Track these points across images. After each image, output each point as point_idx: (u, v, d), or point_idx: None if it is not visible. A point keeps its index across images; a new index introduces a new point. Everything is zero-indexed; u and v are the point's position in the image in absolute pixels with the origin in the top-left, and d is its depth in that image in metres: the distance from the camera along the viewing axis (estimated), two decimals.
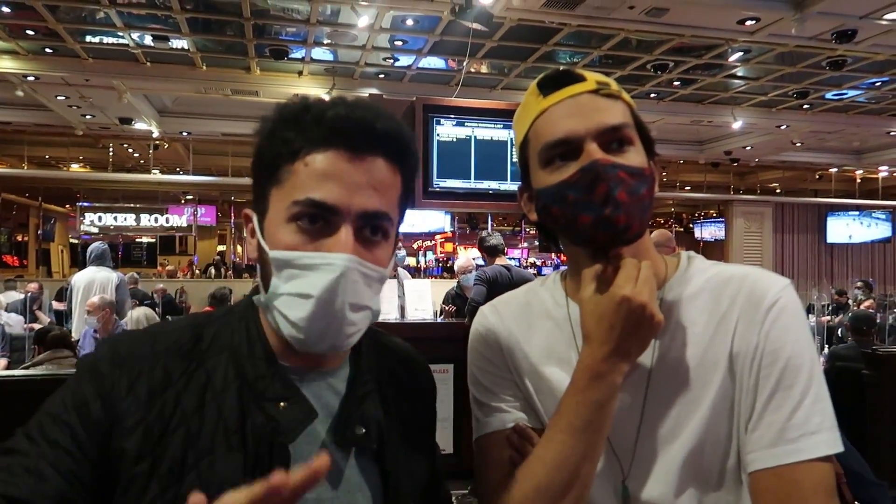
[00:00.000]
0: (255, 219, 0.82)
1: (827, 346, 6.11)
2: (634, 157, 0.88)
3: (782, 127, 10.02)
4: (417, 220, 12.38)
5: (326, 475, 0.80)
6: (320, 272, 0.75)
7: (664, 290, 0.92)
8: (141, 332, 0.84)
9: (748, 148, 11.52)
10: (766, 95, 8.83)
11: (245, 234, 0.84)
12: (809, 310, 8.47)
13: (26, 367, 3.91)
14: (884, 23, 5.79)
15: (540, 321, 0.99)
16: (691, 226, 16.27)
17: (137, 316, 4.55)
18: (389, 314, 4.84)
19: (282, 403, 0.78)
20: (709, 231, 15.16)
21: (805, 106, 9.29)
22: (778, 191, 15.24)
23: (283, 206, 0.78)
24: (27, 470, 0.69)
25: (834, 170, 13.92)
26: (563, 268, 1.06)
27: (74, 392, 0.75)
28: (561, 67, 0.95)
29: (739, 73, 7.98)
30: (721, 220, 14.69)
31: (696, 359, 0.87)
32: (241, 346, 0.80)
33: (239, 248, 16.11)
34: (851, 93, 8.62)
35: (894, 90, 8.45)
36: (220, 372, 0.78)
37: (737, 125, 9.63)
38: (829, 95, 8.80)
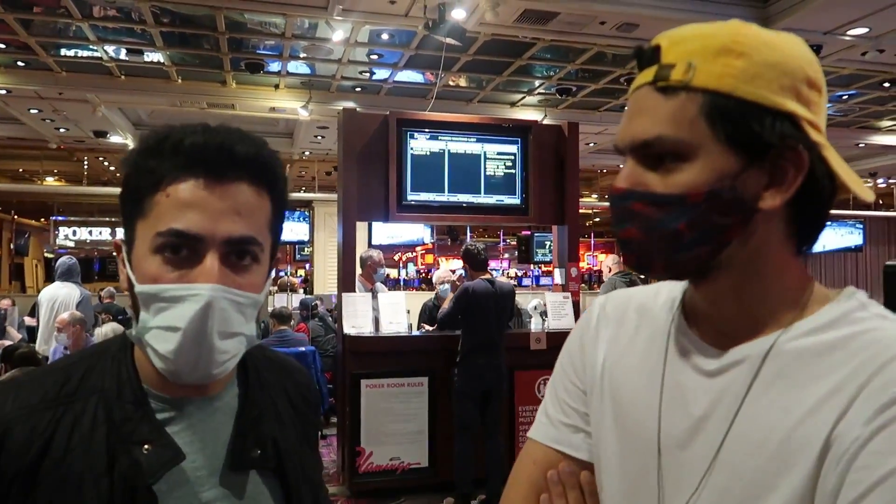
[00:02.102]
0: (123, 250, 0.82)
1: None
2: (681, 177, 0.68)
3: None
4: (397, 232, 12.39)
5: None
6: (186, 303, 0.75)
7: (785, 332, 0.69)
8: (2, 390, 0.82)
9: None
10: None
11: (119, 265, 0.83)
12: None
13: None
14: (847, 38, 5.95)
15: (645, 327, 0.83)
16: None
17: (106, 332, 4.52)
18: (364, 328, 4.84)
19: (146, 447, 0.78)
20: None
21: None
22: None
23: (147, 237, 0.78)
24: None
25: None
26: None
27: None
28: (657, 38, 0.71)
29: None
30: None
31: (783, 431, 0.65)
32: (110, 389, 0.81)
33: None
34: None
35: (861, 103, 8.64)
36: (89, 415, 0.79)
37: None
38: None
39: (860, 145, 10.70)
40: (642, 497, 0.75)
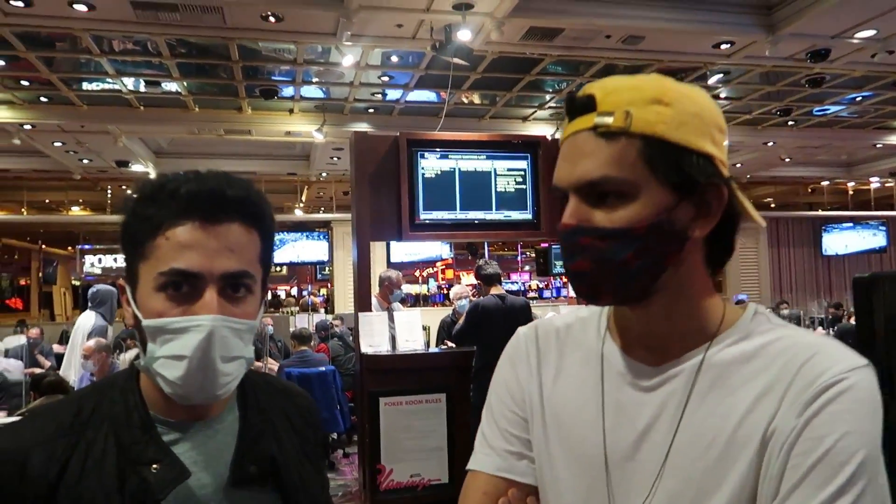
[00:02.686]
0: (128, 290, 0.90)
1: None
2: (625, 212, 0.74)
3: (769, 144, 10.14)
4: (415, 249, 12.47)
5: None
6: (190, 334, 0.83)
7: (711, 346, 0.78)
8: (22, 420, 0.91)
9: (738, 165, 11.62)
10: (750, 114, 8.96)
11: (122, 303, 0.92)
12: (799, 322, 8.46)
13: (20, 414, 3.97)
14: (855, 41, 5.93)
15: (574, 353, 0.89)
16: None
17: (130, 357, 4.64)
18: (381, 347, 4.89)
19: (154, 466, 0.85)
20: None
21: (790, 122, 9.41)
22: (772, 205, 15.32)
23: (150, 277, 0.85)
24: None
25: (826, 183, 14.03)
26: None
27: None
28: (588, 83, 0.80)
29: (722, 94, 8.11)
30: None
31: (726, 433, 0.74)
32: (119, 416, 0.88)
33: None
34: (834, 108, 8.74)
35: (876, 104, 8.57)
36: (100, 442, 0.86)
37: (723, 144, 9.71)
38: (812, 111, 8.93)
39: (877, 146, 10.58)
40: None
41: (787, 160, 11.56)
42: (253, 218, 0.89)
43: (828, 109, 8.81)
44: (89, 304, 6.03)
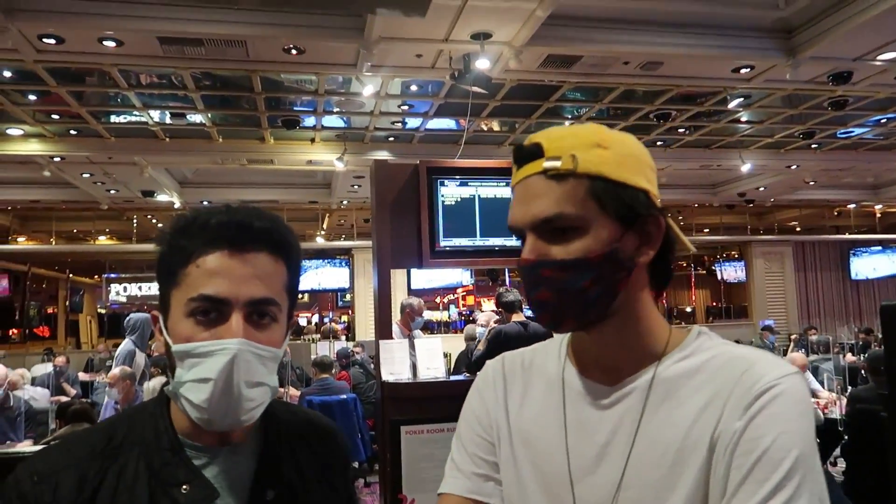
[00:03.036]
0: (161, 319, 0.93)
1: (850, 386, 6.00)
2: (579, 245, 0.82)
3: (792, 167, 10.04)
4: (436, 276, 12.47)
5: None
6: (215, 357, 0.86)
7: (660, 364, 0.86)
8: (56, 444, 0.94)
9: (761, 189, 11.52)
10: (772, 137, 8.90)
11: (155, 333, 0.95)
12: (828, 348, 8.26)
13: (45, 442, 4.01)
14: (878, 63, 5.88)
15: (537, 379, 0.96)
16: (714, 268, 16.14)
17: (154, 385, 4.68)
18: (402, 374, 4.87)
19: (184, 487, 0.88)
20: (729, 273, 15.02)
21: (813, 145, 9.32)
22: (798, 229, 15.12)
23: (181, 304, 0.89)
24: None
25: (852, 205, 13.82)
26: None
27: None
28: (532, 134, 0.89)
29: (744, 118, 8.07)
30: (741, 261, 14.57)
31: (678, 440, 0.81)
32: (150, 440, 0.91)
33: None
34: (858, 130, 8.65)
35: None
36: (132, 466, 0.89)
37: (745, 168, 9.66)
38: (836, 134, 8.84)
39: None
40: None
41: (812, 183, 11.43)
42: (280, 248, 0.93)
43: (852, 132, 8.72)
44: (126, 332, 6.11)
